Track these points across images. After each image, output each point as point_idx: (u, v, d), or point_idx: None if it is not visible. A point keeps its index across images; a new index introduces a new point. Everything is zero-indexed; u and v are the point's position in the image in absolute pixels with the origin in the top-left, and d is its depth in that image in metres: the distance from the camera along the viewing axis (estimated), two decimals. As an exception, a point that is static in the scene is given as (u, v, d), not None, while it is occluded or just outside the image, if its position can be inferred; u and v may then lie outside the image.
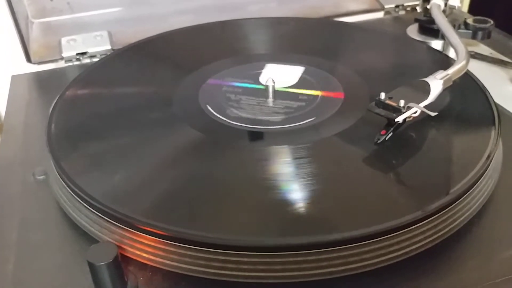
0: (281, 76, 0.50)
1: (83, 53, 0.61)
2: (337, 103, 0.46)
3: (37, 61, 0.61)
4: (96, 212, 0.35)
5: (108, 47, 0.61)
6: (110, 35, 0.63)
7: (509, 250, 0.35)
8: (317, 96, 0.47)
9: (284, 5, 0.73)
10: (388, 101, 0.39)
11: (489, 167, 0.38)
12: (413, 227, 0.33)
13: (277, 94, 0.47)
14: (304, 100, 0.46)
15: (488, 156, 0.38)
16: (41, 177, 0.42)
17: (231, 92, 0.48)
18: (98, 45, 0.61)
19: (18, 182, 0.42)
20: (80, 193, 0.36)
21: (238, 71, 0.51)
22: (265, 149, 0.41)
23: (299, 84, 0.49)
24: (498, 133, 0.41)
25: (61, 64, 0.61)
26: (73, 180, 0.37)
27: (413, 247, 0.34)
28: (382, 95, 0.39)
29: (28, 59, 0.60)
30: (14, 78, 0.58)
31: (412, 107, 0.38)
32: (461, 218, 0.36)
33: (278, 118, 0.44)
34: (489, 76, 0.53)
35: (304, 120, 0.43)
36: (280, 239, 0.32)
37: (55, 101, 0.47)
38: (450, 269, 0.34)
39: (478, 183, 0.37)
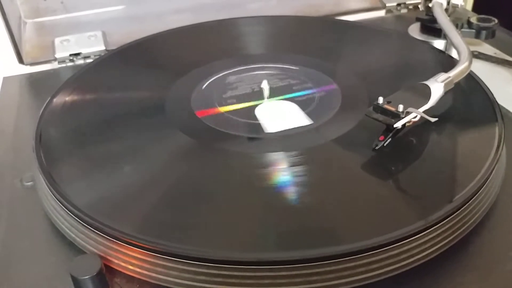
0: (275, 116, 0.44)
1: (77, 54, 0.60)
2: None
3: (30, 62, 0.59)
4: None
5: (102, 47, 0.60)
6: (104, 35, 0.62)
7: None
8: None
9: (284, 3, 0.72)
10: (386, 106, 0.37)
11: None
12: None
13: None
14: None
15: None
16: (29, 184, 0.41)
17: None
18: (91, 45, 0.60)
19: (6, 188, 0.41)
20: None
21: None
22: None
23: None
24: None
25: (55, 65, 0.60)
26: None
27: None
28: (380, 100, 0.38)
29: (20, 60, 0.59)
30: (6, 79, 0.57)
31: (411, 112, 0.37)
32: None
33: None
34: (493, 77, 0.52)
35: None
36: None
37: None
38: (448, 282, 0.32)
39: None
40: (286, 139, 0.41)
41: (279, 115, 0.43)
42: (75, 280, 0.30)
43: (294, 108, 0.44)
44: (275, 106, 0.45)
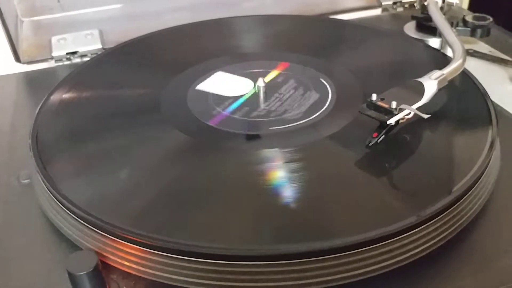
0: (228, 85, 0.47)
1: (74, 53, 0.60)
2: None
3: (27, 60, 0.59)
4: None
5: (99, 46, 0.60)
6: (101, 33, 0.62)
7: (507, 257, 0.34)
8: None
9: (279, 2, 0.72)
10: (380, 103, 0.37)
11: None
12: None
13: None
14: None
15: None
16: (25, 181, 0.41)
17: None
18: (88, 44, 0.60)
19: (2, 185, 0.41)
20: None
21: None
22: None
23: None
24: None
25: (52, 63, 0.60)
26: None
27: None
28: (374, 96, 0.38)
29: (17, 59, 0.59)
30: (2, 78, 0.57)
31: (404, 109, 0.37)
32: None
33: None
34: (488, 75, 0.52)
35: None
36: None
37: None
38: (444, 277, 0.32)
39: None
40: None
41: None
42: (71, 276, 0.30)
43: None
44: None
